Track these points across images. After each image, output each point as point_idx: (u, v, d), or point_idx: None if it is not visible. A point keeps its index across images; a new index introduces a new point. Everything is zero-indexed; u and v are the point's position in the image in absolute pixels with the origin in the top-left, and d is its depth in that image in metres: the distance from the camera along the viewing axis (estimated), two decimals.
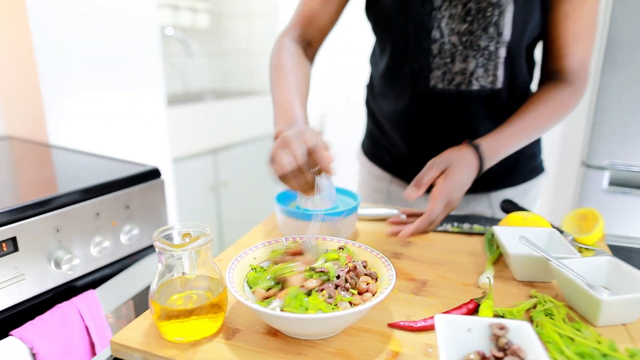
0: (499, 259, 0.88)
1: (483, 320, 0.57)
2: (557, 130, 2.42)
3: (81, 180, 1.02)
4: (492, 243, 0.92)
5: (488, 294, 0.72)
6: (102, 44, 1.60)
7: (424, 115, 1.07)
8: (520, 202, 1.13)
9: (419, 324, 0.66)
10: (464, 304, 0.71)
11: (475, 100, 1.02)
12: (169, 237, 0.66)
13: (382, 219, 1.07)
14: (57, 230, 0.93)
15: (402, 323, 0.67)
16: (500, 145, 0.91)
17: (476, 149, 0.89)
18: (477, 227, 1.00)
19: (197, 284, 0.67)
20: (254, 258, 0.74)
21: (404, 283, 0.80)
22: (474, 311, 0.71)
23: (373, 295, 0.65)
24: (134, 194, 1.07)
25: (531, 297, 0.75)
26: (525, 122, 0.94)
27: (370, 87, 1.20)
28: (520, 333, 0.56)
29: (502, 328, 0.56)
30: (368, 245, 0.76)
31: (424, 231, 0.84)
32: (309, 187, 0.72)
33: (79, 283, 0.99)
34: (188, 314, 0.63)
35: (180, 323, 0.63)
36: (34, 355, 0.87)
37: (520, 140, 0.94)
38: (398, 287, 0.78)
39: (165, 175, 1.89)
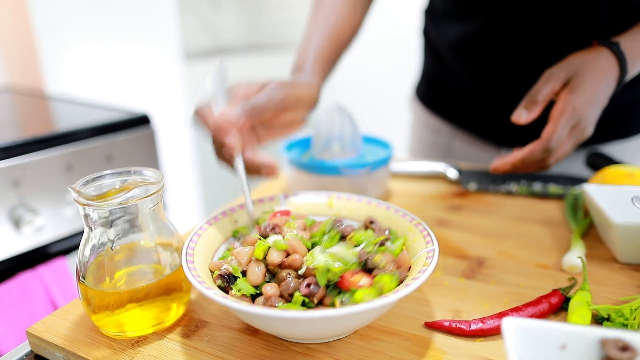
0: (588, 231, 0.63)
1: (588, 333, 0.33)
2: None
3: (50, 126, 0.84)
4: (577, 209, 0.66)
5: (582, 283, 0.47)
6: None
7: (511, 36, 0.78)
8: (631, 159, 0.83)
9: (473, 326, 0.43)
10: (544, 297, 0.47)
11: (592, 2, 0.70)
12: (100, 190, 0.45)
13: (426, 177, 0.83)
14: (15, 185, 0.75)
15: (447, 323, 0.44)
16: None
17: (613, 48, 0.62)
18: (553, 188, 0.74)
19: (154, 256, 0.47)
20: (236, 221, 0.53)
21: (451, 262, 0.56)
22: (559, 308, 0.47)
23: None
24: (118, 144, 0.88)
25: None
26: None
27: (430, 11, 0.93)
28: None
29: (625, 348, 0.32)
30: (401, 208, 0.52)
31: (538, 164, 0.61)
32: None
33: (49, 250, 0.82)
34: (125, 300, 0.43)
35: (116, 314, 0.43)
36: None
37: None
38: (443, 268, 0.55)
39: (184, 137, 1.70)
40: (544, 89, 0.61)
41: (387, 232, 0.49)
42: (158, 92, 1.60)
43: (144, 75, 1.55)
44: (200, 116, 0.53)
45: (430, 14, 0.93)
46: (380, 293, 0.40)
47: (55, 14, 1.29)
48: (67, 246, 0.84)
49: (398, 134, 1.34)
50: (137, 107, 1.49)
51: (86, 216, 0.43)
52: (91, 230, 0.44)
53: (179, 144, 1.69)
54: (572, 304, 0.45)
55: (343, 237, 0.47)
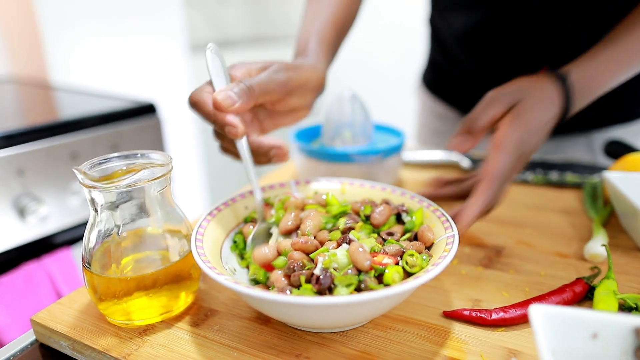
0: (607, 220, 0.61)
1: (622, 321, 0.32)
2: None
3: (55, 114, 0.82)
4: (596, 198, 0.64)
5: (608, 272, 0.45)
6: None
7: (515, 26, 0.76)
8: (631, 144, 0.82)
9: (494, 316, 0.41)
10: (567, 286, 0.45)
11: None
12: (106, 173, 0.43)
13: (439, 166, 0.81)
14: (20, 173, 0.74)
15: (467, 312, 0.42)
16: (599, 73, 0.57)
17: (561, 80, 0.55)
18: (570, 177, 0.72)
19: (162, 242, 0.45)
20: (245, 207, 0.51)
21: (468, 250, 0.55)
22: (583, 297, 0.45)
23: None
24: (123, 133, 0.86)
25: None
26: (636, 38, 0.59)
27: (436, 1, 0.91)
28: None
29: None
30: (417, 194, 0.50)
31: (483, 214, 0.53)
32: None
33: (54, 241, 0.81)
34: (133, 287, 0.41)
35: (123, 302, 0.42)
36: None
37: (629, 66, 0.60)
38: (459, 256, 0.53)
39: (190, 128, 1.69)
40: (485, 114, 0.54)
41: (403, 206, 0.48)
42: (164, 84, 1.59)
43: (150, 68, 1.53)
44: (197, 99, 0.47)
45: (436, 3, 0.91)
46: (409, 270, 0.39)
47: (61, 4, 1.28)
48: (72, 236, 0.83)
49: (404, 121, 1.32)
50: (143, 97, 1.48)
51: (92, 200, 0.41)
52: (97, 214, 0.42)
53: (185, 135, 1.68)
54: (598, 293, 0.43)
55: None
